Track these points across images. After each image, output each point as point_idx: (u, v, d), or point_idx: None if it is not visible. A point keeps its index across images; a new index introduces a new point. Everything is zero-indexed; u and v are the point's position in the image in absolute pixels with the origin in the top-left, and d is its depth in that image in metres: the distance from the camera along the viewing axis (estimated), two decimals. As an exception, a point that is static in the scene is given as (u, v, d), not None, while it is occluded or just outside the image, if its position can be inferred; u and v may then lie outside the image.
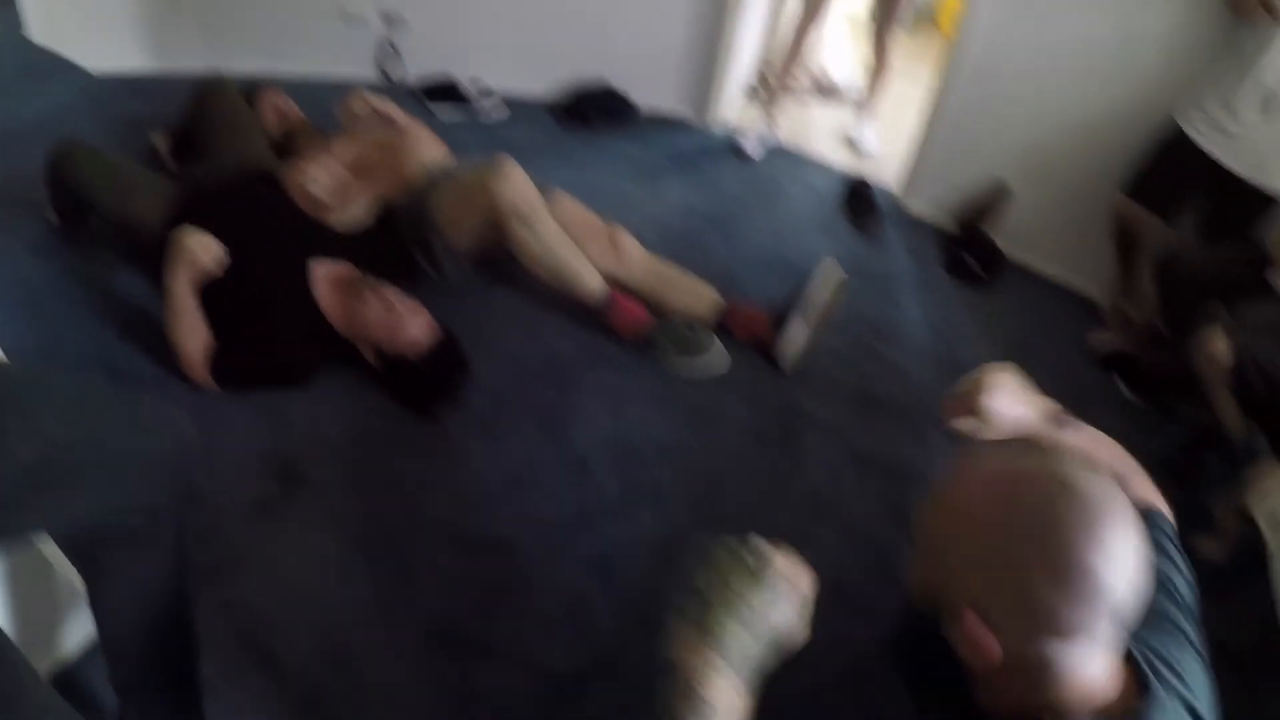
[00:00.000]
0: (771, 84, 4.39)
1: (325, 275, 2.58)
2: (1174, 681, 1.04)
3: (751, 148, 4.00)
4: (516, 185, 2.68)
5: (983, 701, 1.06)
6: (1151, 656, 1.05)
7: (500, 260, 2.88)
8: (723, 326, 2.84)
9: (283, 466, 2.30)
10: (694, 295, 2.87)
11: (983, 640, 0.98)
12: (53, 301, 2.76)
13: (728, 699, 1.02)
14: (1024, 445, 1.07)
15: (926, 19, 5.99)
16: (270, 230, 2.64)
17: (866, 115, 4.38)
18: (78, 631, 1.74)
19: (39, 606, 1.67)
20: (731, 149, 4.02)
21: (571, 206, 2.95)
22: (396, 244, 2.83)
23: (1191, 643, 1.14)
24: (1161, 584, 1.17)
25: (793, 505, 2.38)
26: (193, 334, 2.43)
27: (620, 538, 2.22)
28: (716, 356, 2.73)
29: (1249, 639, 2.13)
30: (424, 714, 1.79)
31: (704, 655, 1.03)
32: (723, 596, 1.06)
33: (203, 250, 2.41)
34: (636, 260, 2.90)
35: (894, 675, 1.91)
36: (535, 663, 1.91)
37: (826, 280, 2.77)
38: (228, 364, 2.45)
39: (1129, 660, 1.04)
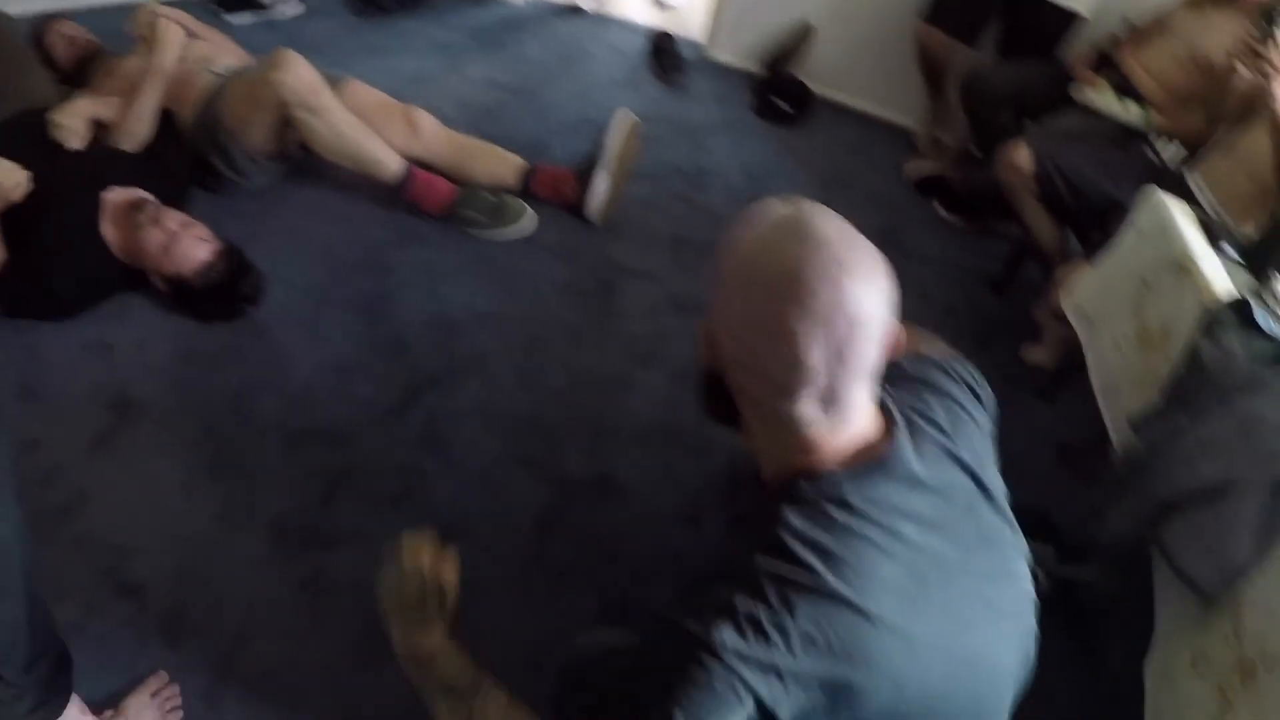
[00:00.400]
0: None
1: (110, 204, 2.55)
2: (933, 432, 1.08)
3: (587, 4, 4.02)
4: (298, 74, 2.64)
5: (764, 475, 1.09)
6: (912, 413, 1.08)
7: (298, 154, 2.86)
8: (528, 190, 2.87)
9: (114, 398, 2.31)
10: (498, 162, 2.90)
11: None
12: None
13: (436, 641, 1.34)
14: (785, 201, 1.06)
15: None
16: (56, 163, 2.58)
17: None
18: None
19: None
20: (568, 9, 4.02)
21: (364, 91, 2.93)
22: (191, 156, 2.79)
23: (978, 425, 1.16)
24: (946, 370, 1.21)
25: (616, 353, 2.46)
26: None
27: (449, 409, 2.27)
28: (524, 220, 2.77)
29: (1083, 436, 2.28)
30: (285, 611, 1.84)
31: (410, 641, 1.36)
32: (396, 608, 1.38)
33: (8, 178, 2.36)
34: (435, 136, 2.90)
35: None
36: (382, 543, 1.98)
37: (620, 128, 2.80)
38: (3, 294, 2.43)
39: (886, 416, 1.06)
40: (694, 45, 3.84)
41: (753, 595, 0.93)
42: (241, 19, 3.89)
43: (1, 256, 2.43)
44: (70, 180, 2.53)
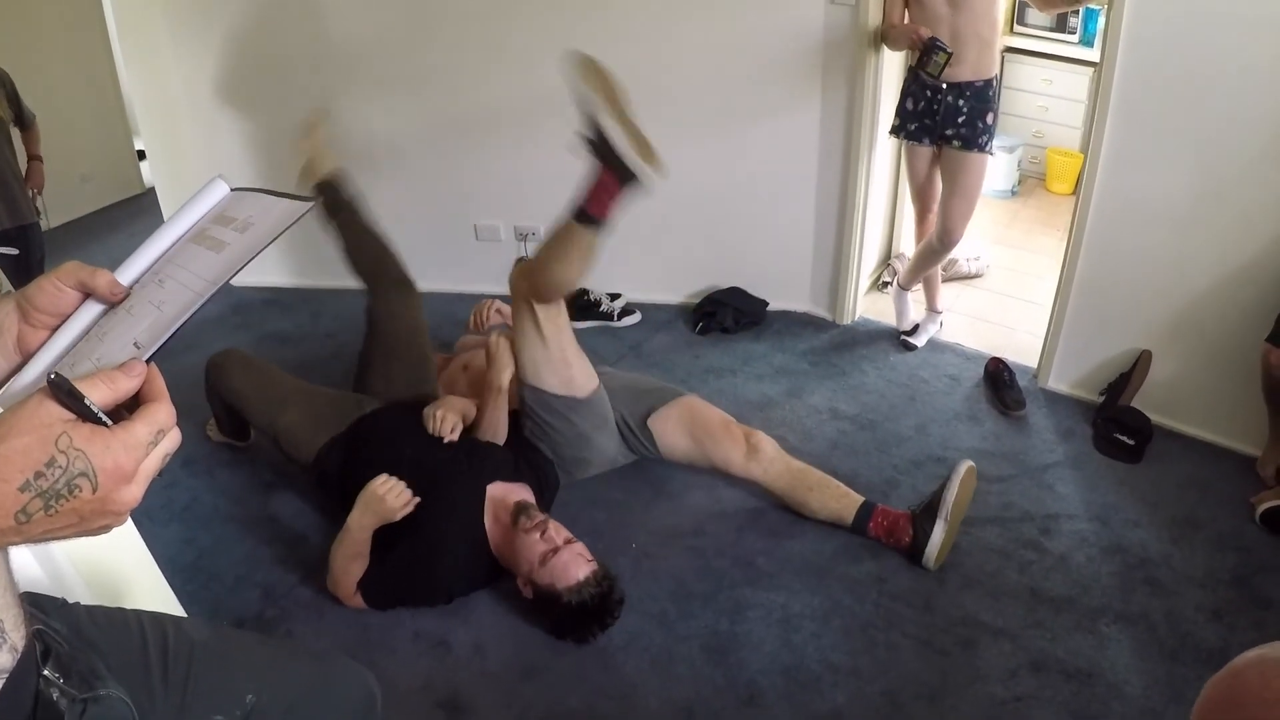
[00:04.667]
0: (901, 276, 4.48)
1: (492, 498, 2.71)
2: None
3: (917, 340, 4.06)
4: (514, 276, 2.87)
5: None
6: None
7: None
8: (864, 529, 2.88)
9: (446, 698, 2.40)
10: (835, 497, 2.93)
11: None
12: (208, 519, 3.00)
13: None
14: None
15: (1033, 179, 6.02)
16: (441, 452, 2.80)
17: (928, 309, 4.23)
18: None
19: None
20: (901, 343, 4.07)
21: (704, 408, 3.06)
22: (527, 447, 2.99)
23: None
24: None
25: (975, 720, 2.37)
26: (354, 565, 2.59)
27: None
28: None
29: None
30: None
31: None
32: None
33: (397, 503, 2.56)
34: (774, 461, 2.96)
35: None
36: None
37: (961, 478, 2.80)
38: (379, 585, 2.59)
39: None
40: (1027, 371, 3.82)
41: None
42: (583, 325, 4.20)
43: (363, 569, 2.62)
44: (457, 469, 2.73)
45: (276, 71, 4.14)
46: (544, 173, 4.17)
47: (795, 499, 2.95)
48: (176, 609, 2.12)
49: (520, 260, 2.86)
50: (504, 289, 4.35)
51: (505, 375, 2.93)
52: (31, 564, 1.63)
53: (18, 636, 0.85)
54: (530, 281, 2.80)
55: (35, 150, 4.14)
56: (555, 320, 2.86)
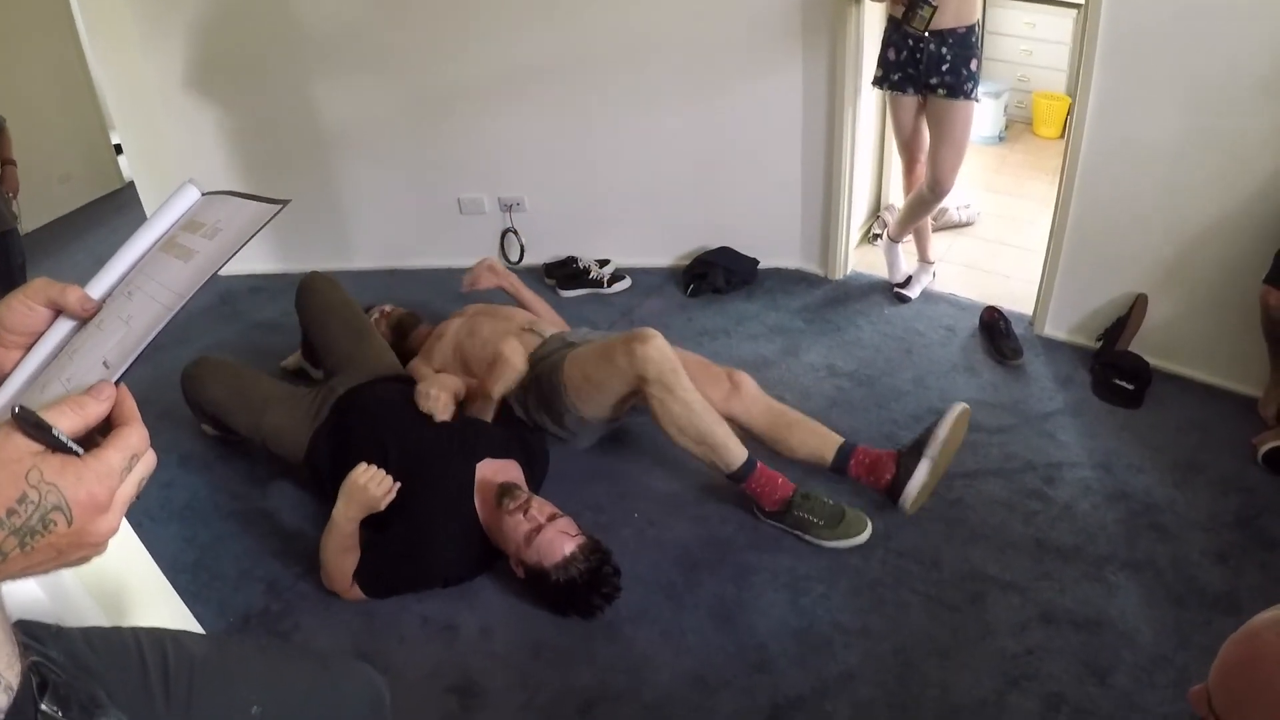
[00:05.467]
0: (891, 228, 4.43)
1: (481, 478, 2.68)
2: None
3: (911, 292, 4.03)
4: (662, 351, 2.67)
5: None
6: None
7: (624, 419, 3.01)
8: (843, 469, 2.83)
9: (457, 682, 2.39)
10: (816, 437, 2.88)
11: None
12: (208, 516, 2.98)
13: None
14: None
15: (1020, 124, 5.97)
16: (428, 430, 2.78)
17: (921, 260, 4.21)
18: None
19: None
20: (895, 295, 4.04)
21: (685, 354, 3.01)
22: (528, 424, 2.96)
23: None
24: None
25: (989, 674, 2.35)
26: (347, 558, 2.57)
27: (822, 735, 2.21)
28: (864, 533, 2.72)
29: None
30: None
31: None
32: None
33: (379, 491, 2.53)
34: (756, 401, 2.95)
35: None
36: None
37: (953, 419, 2.75)
38: (374, 574, 2.57)
39: None
40: (1022, 319, 3.79)
41: None
42: (573, 293, 4.17)
43: (355, 560, 2.60)
44: (446, 449, 2.70)
45: (249, 56, 4.08)
46: (524, 142, 4.14)
47: (775, 437, 2.90)
48: (182, 610, 2.10)
49: (662, 349, 2.71)
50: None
51: (500, 390, 2.91)
52: (31, 582, 1.61)
53: (12, 675, 0.83)
54: (654, 383, 2.66)
55: (7, 154, 4.09)
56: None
